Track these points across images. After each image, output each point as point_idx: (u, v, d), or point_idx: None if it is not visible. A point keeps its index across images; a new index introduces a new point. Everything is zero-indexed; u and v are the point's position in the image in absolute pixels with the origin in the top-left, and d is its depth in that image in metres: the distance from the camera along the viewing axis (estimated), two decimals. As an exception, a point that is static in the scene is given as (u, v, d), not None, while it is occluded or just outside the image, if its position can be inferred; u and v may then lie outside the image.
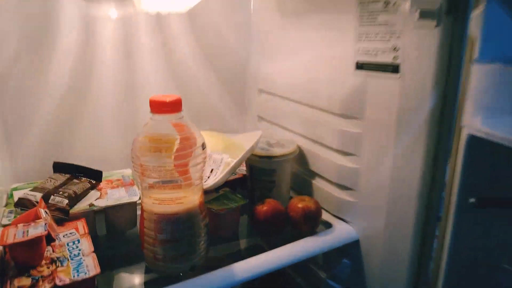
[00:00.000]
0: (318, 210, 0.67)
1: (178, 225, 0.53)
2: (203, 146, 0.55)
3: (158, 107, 0.52)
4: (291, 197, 0.77)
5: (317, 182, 0.75)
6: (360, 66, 0.61)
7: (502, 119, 0.38)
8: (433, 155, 0.54)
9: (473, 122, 0.41)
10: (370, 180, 0.63)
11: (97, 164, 0.74)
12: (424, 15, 0.48)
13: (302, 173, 0.79)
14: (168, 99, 0.52)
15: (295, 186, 0.80)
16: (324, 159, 0.71)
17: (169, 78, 0.83)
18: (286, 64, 0.79)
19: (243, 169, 0.78)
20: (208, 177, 0.63)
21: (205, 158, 0.55)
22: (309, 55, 0.72)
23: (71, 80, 0.74)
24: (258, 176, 0.73)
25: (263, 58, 0.88)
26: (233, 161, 0.64)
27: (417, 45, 0.51)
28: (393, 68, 0.55)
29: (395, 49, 0.54)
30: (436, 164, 0.54)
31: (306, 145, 0.76)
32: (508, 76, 0.34)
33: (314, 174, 0.76)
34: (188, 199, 0.54)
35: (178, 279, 0.54)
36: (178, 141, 0.53)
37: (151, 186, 0.53)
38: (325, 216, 0.71)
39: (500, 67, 0.34)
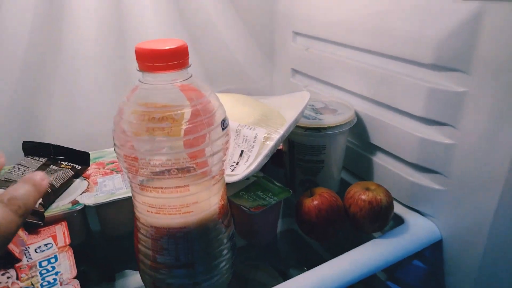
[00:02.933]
0: (389, 203, 0.47)
1: (186, 244, 0.35)
2: (224, 125, 0.35)
3: (151, 60, 0.32)
4: (341, 180, 0.58)
5: (382, 161, 0.55)
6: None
7: None
8: None
9: None
10: (473, 162, 0.43)
11: (82, 142, 0.55)
12: None
13: (359, 148, 0.59)
14: (167, 46, 0.32)
15: (347, 166, 0.60)
16: (397, 130, 0.50)
17: (172, 21, 0.60)
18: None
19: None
20: (237, 163, 0.44)
21: (227, 143, 0.36)
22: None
23: (34, 34, 0.53)
24: (301, 155, 0.53)
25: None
26: (272, 138, 0.44)
27: None
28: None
29: None
30: None
31: (367, 110, 0.55)
32: None
33: (377, 150, 0.56)
34: (201, 205, 0.35)
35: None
36: (188, 115, 0.33)
37: (144, 187, 0.34)
38: (396, 206, 0.52)
39: None
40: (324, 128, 0.50)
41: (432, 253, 0.51)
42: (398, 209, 0.52)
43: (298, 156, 0.54)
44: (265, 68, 0.71)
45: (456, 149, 0.45)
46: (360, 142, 0.58)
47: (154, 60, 0.32)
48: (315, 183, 0.55)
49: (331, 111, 0.54)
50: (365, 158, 0.57)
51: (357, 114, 0.55)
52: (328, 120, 0.51)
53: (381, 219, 0.47)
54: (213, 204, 0.37)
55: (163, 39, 0.34)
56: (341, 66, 0.58)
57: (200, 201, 0.35)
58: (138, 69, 0.33)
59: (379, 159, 0.55)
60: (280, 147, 0.57)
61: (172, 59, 0.32)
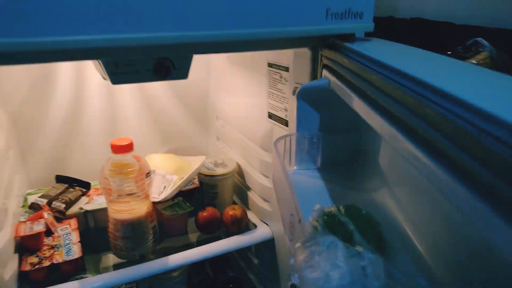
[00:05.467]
0: (243, 217, 0.90)
1: (128, 227, 0.78)
2: (148, 175, 0.79)
3: (117, 149, 0.76)
4: (234, 202, 1.01)
5: (250, 193, 0.98)
6: (270, 116, 0.83)
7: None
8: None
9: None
10: (279, 197, 0.86)
11: (87, 176, 1.00)
12: (294, 92, 0.70)
13: (242, 185, 1.03)
14: (124, 143, 0.76)
15: (238, 194, 1.04)
16: (253, 177, 0.94)
17: (144, 108, 1.07)
18: (232, 100, 1.02)
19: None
20: (162, 192, 0.88)
21: (149, 183, 0.79)
22: (244, 99, 0.95)
23: (67, 114, 1.00)
24: (205, 189, 0.97)
25: (219, 92, 1.10)
26: (180, 181, 0.88)
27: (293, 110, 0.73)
28: (285, 123, 0.77)
29: (285, 109, 0.76)
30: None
31: (244, 165, 0.99)
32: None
33: (249, 187, 0.99)
34: (136, 210, 0.79)
35: (133, 262, 0.79)
36: (137, 168, 0.77)
37: (112, 201, 0.78)
38: (255, 219, 0.95)
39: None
40: (216, 176, 0.94)
41: (271, 246, 0.93)
42: (256, 220, 0.95)
43: (204, 190, 0.97)
44: (200, 135, 1.17)
45: (272, 189, 0.88)
46: (243, 181, 1.02)
47: (118, 149, 0.77)
48: (214, 205, 0.98)
49: (224, 165, 0.98)
50: (244, 191, 1.01)
51: (240, 166, 0.99)
52: (219, 170, 0.95)
53: (237, 225, 0.90)
54: (143, 210, 0.80)
55: (124, 138, 0.79)
56: (235, 140, 1.03)
57: (136, 208, 0.79)
58: (112, 152, 0.78)
59: (250, 192, 0.99)
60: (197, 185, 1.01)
61: (126, 148, 0.77)
